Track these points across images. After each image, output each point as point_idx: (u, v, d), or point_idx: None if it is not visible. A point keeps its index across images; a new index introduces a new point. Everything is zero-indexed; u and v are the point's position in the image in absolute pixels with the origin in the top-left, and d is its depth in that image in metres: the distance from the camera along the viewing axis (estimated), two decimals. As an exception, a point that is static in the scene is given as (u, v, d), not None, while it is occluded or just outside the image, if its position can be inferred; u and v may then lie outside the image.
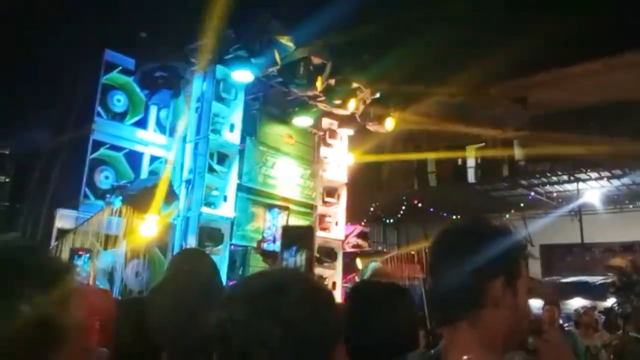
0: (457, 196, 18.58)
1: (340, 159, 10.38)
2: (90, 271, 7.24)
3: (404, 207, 20.29)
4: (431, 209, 19.93)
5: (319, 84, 8.60)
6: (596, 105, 15.78)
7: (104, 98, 8.29)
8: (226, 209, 8.44)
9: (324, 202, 9.90)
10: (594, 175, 15.71)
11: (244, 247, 8.72)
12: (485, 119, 17.75)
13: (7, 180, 8.63)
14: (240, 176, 8.69)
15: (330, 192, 9.98)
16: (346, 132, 10.38)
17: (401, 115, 10.55)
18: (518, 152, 19.36)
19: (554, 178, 16.78)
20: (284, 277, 1.22)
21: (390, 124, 9.92)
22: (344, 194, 10.23)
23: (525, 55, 12.53)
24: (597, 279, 13.21)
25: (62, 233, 7.51)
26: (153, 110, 8.69)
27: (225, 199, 8.46)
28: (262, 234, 8.44)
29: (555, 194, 18.06)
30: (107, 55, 8.26)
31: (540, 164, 17.55)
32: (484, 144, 20.21)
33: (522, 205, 18.32)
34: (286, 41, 8.21)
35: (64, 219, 7.61)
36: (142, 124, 8.61)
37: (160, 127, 8.82)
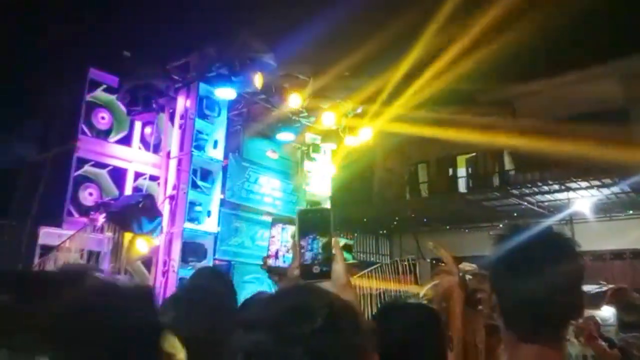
0: (449, 206, 18.67)
1: (324, 173, 10.50)
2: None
3: (396, 218, 20.36)
4: (424, 220, 20.03)
5: (300, 100, 8.73)
6: (585, 114, 15.93)
7: (89, 115, 8.37)
8: (210, 224, 8.54)
9: (308, 216, 9.98)
10: (584, 184, 15.77)
11: (227, 262, 8.82)
12: (475, 129, 17.84)
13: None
14: (223, 191, 8.80)
15: (314, 205, 10.06)
16: (330, 147, 10.51)
17: (389, 127, 10.67)
18: (508, 162, 19.48)
19: (545, 187, 16.84)
20: (307, 300, 1.21)
21: (368, 136, 10.05)
22: (327, 206, 10.31)
23: (514, 65, 12.61)
24: (591, 288, 13.25)
25: (46, 250, 7.57)
26: (137, 127, 8.79)
27: (208, 214, 8.56)
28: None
29: (546, 203, 18.14)
30: (91, 73, 8.36)
31: (531, 174, 17.67)
32: (474, 154, 20.32)
33: (514, 214, 18.41)
34: (267, 59, 8.34)
35: (47, 236, 7.66)
36: (126, 140, 8.69)
37: (145, 143, 8.92)
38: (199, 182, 8.43)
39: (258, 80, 8.35)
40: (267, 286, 7.70)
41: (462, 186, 20.63)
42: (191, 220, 8.33)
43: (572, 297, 1.36)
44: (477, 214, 17.56)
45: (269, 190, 9.48)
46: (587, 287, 13.85)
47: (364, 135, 9.96)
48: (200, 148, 8.53)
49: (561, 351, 1.35)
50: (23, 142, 8.13)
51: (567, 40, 12.06)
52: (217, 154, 8.71)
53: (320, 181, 10.40)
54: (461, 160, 20.78)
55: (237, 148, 9.14)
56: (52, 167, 8.13)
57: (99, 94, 8.48)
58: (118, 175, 8.55)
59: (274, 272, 1.91)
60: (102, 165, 8.38)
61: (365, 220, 19.42)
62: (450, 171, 21.30)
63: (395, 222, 20.44)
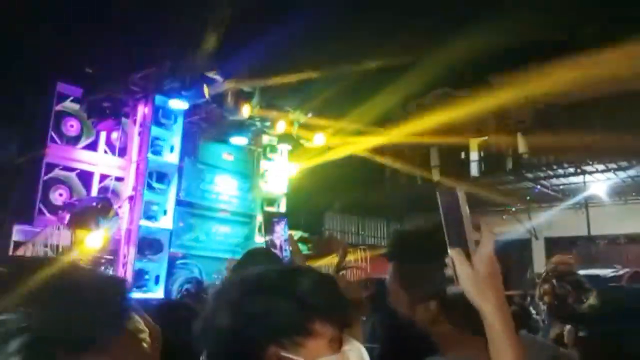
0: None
1: (281, 172, 11.32)
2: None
3: (408, 202, 20.73)
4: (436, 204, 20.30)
5: (247, 110, 9.55)
6: (600, 97, 15.73)
7: (58, 124, 9.39)
8: (165, 222, 9.57)
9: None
10: (600, 167, 15.60)
11: (182, 254, 9.85)
12: (488, 111, 17.86)
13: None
14: (179, 192, 9.78)
15: (271, 201, 10.93)
16: (286, 147, 11.30)
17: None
18: (522, 145, 19.40)
19: (560, 171, 16.68)
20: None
21: (320, 140, 10.73)
22: (283, 203, 11.18)
23: (526, 47, 12.43)
24: (607, 272, 13.34)
25: (18, 245, 8.75)
26: (103, 133, 9.81)
27: (164, 212, 9.59)
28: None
29: (561, 187, 17.94)
30: (59, 87, 9.38)
31: (545, 157, 17.47)
32: (487, 137, 20.28)
33: (527, 198, 18.32)
34: (213, 75, 9.18)
35: (20, 232, 8.83)
36: (93, 146, 9.73)
37: (111, 147, 9.94)
38: (155, 184, 9.43)
39: (206, 92, 9.20)
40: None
41: (474, 170, 20.71)
42: (148, 218, 9.37)
43: None
44: (490, 198, 17.62)
45: (224, 189, 10.42)
46: (602, 271, 14.06)
47: (318, 140, 10.65)
48: (157, 153, 9.52)
49: None
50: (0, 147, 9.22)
51: (582, 20, 11.82)
52: (173, 158, 9.70)
53: (277, 179, 11.24)
54: (473, 143, 20.84)
55: (193, 152, 10.05)
56: (25, 171, 9.25)
57: (68, 104, 9.48)
58: (86, 177, 9.60)
59: None
60: (71, 169, 9.43)
61: (376, 205, 19.78)
62: (463, 155, 21.36)
63: (407, 207, 20.73)
